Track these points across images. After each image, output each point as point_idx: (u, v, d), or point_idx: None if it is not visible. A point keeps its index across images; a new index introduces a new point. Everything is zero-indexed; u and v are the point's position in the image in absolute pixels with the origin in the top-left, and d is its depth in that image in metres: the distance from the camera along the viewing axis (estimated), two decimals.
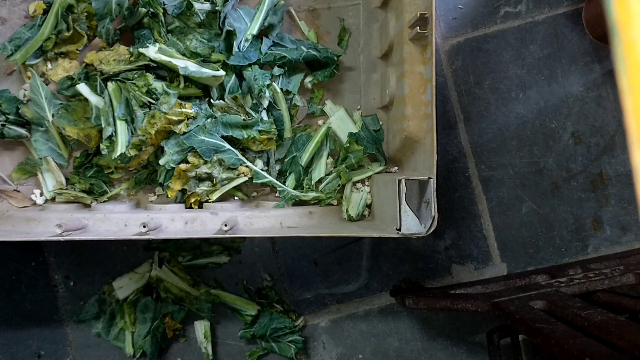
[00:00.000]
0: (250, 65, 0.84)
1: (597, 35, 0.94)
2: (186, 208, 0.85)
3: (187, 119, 0.80)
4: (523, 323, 0.71)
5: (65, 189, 0.86)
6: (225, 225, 0.72)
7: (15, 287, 0.94)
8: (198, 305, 0.91)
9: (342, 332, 0.96)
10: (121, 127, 0.80)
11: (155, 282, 0.91)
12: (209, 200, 0.84)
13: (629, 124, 0.26)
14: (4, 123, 0.83)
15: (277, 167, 0.88)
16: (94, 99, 0.81)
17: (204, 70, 0.81)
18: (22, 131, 0.84)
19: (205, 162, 0.81)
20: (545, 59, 0.95)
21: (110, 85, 0.79)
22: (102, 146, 0.81)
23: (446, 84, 0.95)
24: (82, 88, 0.81)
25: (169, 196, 0.84)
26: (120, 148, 0.80)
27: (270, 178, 0.84)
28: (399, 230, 0.67)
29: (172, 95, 0.79)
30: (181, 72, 0.79)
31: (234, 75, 0.84)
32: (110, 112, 0.80)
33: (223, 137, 0.81)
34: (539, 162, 0.95)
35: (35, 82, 0.83)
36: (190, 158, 0.81)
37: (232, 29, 0.82)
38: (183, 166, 0.81)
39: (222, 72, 0.81)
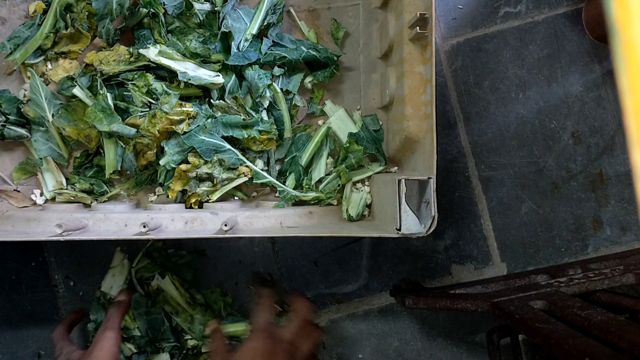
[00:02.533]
0: (250, 65, 0.84)
1: (597, 36, 0.94)
2: (186, 208, 0.85)
3: (189, 119, 0.80)
4: (523, 323, 0.71)
5: (65, 189, 0.86)
6: (225, 225, 0.72)
7: (15, 287, 0.94)
8: (190, 325, 0.91)
9: (342, 332, 0.96)
10: (108, 146, 0.81)
11: (155, 291, 0.91)
12: (209, 201, 0.84)
13: (629, 124, 0.26)
14: (4, 124, 0.83)
15: (277, 167, 0.88)
16: (90, 102, 0.81)
17: (203, 76, 0.81)
18: (23, 131, 0.84)
19: (206, 163, 0.81)
20: (545, 59, 0.95)
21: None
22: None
23: (446, 84, 0.95)
24: (78, 92, 0.82)
25: (170, 197, 0.84)
26: (109, 169, 0.82)
27: (270, 178, 0.84)
28: (399, 230, 0.67)
29: (172, 95, 0.79)
30: (180, 78, 0.80)
31: (234, 76, 0.84)
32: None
33: (223, 137, 0.81)
34: (539, 162, 0.95)
35: (35, 82, 0.83)
36: (191, 158, 0.81)
37: (227, 30, 0.82)
38: (183, 167, 0.81)
39: (220, 80, 0.81)
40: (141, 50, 0.80)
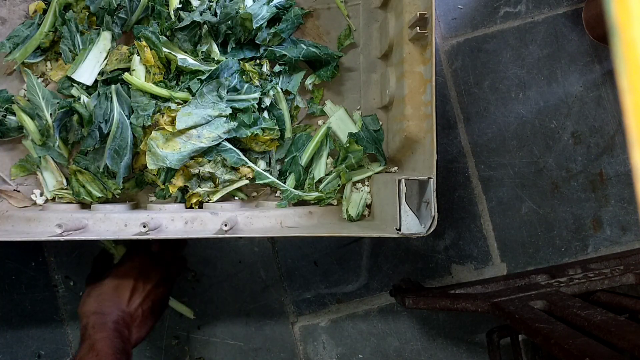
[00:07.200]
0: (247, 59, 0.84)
1: (597, 35, 0.94)
2: (186, 208, 0.85)
3: None
4: (523, 323, 0.71)
5: (66, 189, 0.86)
6: (225, 225, 0.72)
7: (15, 287, 0.94)
8: None
9: (342, 332, 0.96)
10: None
11: None
12: (210, 201, 0.84)
13: (629, 124, 0.26)
14: (5, 113, 0.83)
15: (278, 167, 0.88)
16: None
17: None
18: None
19: (209, 161, 0.81)
20: (545, 59, 0.95)
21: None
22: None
23: (446, 84, 0.95)
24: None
25: (171, 192, 0.83)
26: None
27: (272, 179, 0.84)
28: (399, 230, 0.67)
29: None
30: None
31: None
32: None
33: (227, 139, 0.81)
34: (539, 162, 0.95)
35: (31, 82, 0.82)
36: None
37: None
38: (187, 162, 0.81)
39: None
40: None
